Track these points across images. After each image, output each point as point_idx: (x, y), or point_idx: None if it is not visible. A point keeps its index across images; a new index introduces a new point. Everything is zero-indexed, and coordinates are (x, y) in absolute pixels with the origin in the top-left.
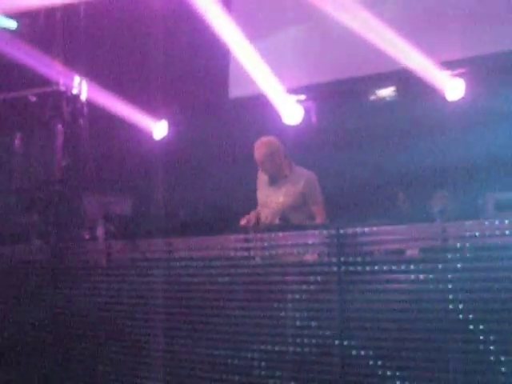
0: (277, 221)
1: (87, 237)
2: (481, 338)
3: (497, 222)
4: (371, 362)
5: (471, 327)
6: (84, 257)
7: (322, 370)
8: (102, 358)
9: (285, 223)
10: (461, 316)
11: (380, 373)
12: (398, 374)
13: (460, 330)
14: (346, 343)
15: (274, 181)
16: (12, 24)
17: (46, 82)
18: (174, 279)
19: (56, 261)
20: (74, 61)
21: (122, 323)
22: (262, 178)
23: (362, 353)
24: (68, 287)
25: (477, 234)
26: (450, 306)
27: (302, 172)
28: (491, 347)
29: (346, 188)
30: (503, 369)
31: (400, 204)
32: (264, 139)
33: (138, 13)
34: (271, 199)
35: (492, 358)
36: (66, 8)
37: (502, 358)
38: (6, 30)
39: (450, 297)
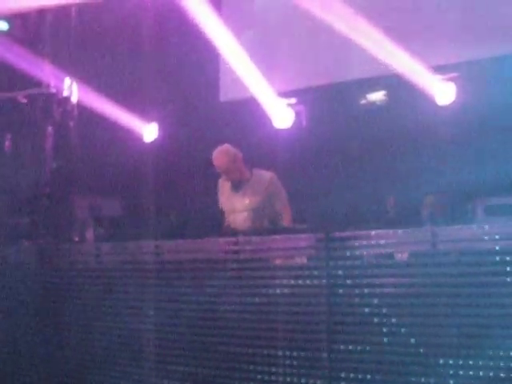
0: (256, 224)
1: (76, 239)
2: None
3: (486, 227)
4: (358, 365)
5: (462, 330)
6: (73, 258)
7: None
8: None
9: (274, 226)
10: (451, 320)
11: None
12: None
13: (451, 334)
14: (334, 347)
15: (237, 186)
16: (3, 25)
17: (36, 83)
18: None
19: (44, 262)
20: (65, 63)
21: (111, 325)
22: (225, 186)
23: (350, 360)
24: (56, 289)
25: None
26: (440, 311)
27: (262, 173)
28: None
29: (335, 191)
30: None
31: (390, 209)
32: (222, 148)
33: (129, 15)
34: (238, 204)
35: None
36: (57, 10)
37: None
38: None
39: (440, 300)
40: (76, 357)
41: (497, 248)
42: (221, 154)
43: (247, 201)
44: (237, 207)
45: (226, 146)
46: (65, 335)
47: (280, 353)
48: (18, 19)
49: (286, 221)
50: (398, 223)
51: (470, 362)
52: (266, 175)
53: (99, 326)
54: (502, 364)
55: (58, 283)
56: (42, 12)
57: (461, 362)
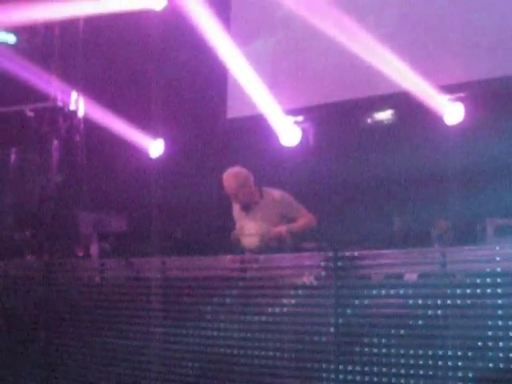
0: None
1: (81, 254)
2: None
3: (497, 248)
4: None
5: (469, 354)
6: (77, 274)
7: None
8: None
9: (282, 244)
10: (459, 342)
11: None
12: None
13: (459, 356)
14: (341, 367)
15: (247, 209)
16: (11, 38)
17: (43, 97)
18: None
19: (49, 278)
20: (72, 77)
21: (115, 341)
22: (236, 209)
23: (357, 381)
24: (59, 304)
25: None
26: (450, 332)
27: (271, 193)
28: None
29: (342, 210)
30: None
31: (397, 230)
32: (231, 171)
33: (136, 30)
34: (246, 227)
35: None
36: (64, 23)
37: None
38: (4, 44)
39: (449, 322)
40: (78, 372)
41: (509, 269)
42: (230, 178)
43: (258, 223)
44: (246, 230)
45: (236, 170)
46: (67, 350)
47: (286, 373)
48: (26, 32)
49: (301, 220)
50: (406, 245)
51: None
52: (276, 195)
53: (102, 342)
54: None
55: (61, 298)
56: (49, 25)
57: None
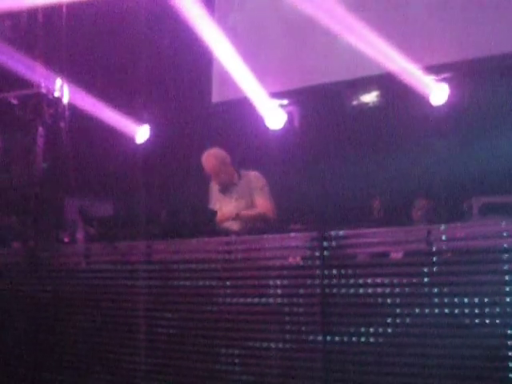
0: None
1: (66, 239)
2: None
3: (481, 225)
4: (353, 365)
5: (457, 331)
6: (63, 259)
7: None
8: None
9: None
10: (446, 320)
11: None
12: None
13: (447, 334)
14: (328, 347)
15: (225, 189)
16: None
17: (27, 84)
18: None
19: (34, 263)
20: (56, 63)
21: (101, 326)
22: (214, 188)
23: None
24: (46, 290)
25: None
26: (436, 311)
27: (248, 175)
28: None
29: (327, 193)
30: None
31: (375, 210)
32: (210, 151)
33: (120, 16)
34: (225, 208)
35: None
36: (48, 10)
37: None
38: None
39: (436, 300)
40: (64, 358)
41: (492, 246)
42: (209, 157)
43: (233, 203)
44: (224, 211)
45: (215, 150)
46: (56, 337)
47: (273, 354)
48: (9, 19)
49: (257, 209)
50: (385, 224)
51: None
52: (250, 175)
53: (89, 328)
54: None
55: (47, 284)
56: (32, 12)
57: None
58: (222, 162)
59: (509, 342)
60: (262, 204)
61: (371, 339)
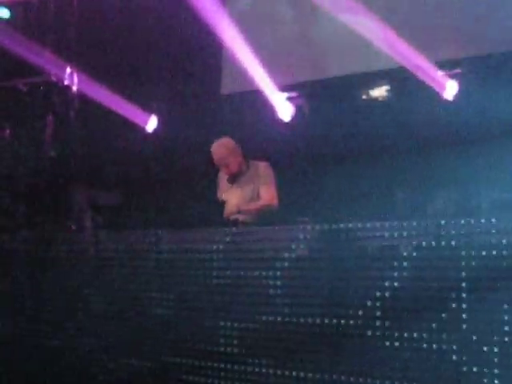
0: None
1: (74, 227)
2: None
3: (493, 221)
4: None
5: (464, 326)
6: (71, 247)
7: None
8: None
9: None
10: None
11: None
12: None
13: (453, 329)
14: (336, 340)
15: (234, 179)
16: (5, 13)
17: (37, 71)
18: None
19: (42, 251)
20: (66, 51)
21: (109, 314)
22: (223, 178)
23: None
24: (54, 278)
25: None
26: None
27: (257, 165)
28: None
29: (338, 185)
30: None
31: (399, 203)
32: (221, 141)
33: (131, 5)
34: (231, 196)
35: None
36: None
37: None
38: None
39: (445, 295)
40: (72, 344)
41: (503, 242)
42: (220, 147)
43: (239, 192)
44: (230, 200)
45: (226, 139)
46: (62, 323)
47: (279, 345)
48: (20, 7)
49: (260, 201)
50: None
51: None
52: (259, 165)
53: (96, 315)
54: None
55: (55, 271)
56: (43, 0)
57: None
58: (232, 152)
59: None
60: (267, 195)
61: (379, 333)
